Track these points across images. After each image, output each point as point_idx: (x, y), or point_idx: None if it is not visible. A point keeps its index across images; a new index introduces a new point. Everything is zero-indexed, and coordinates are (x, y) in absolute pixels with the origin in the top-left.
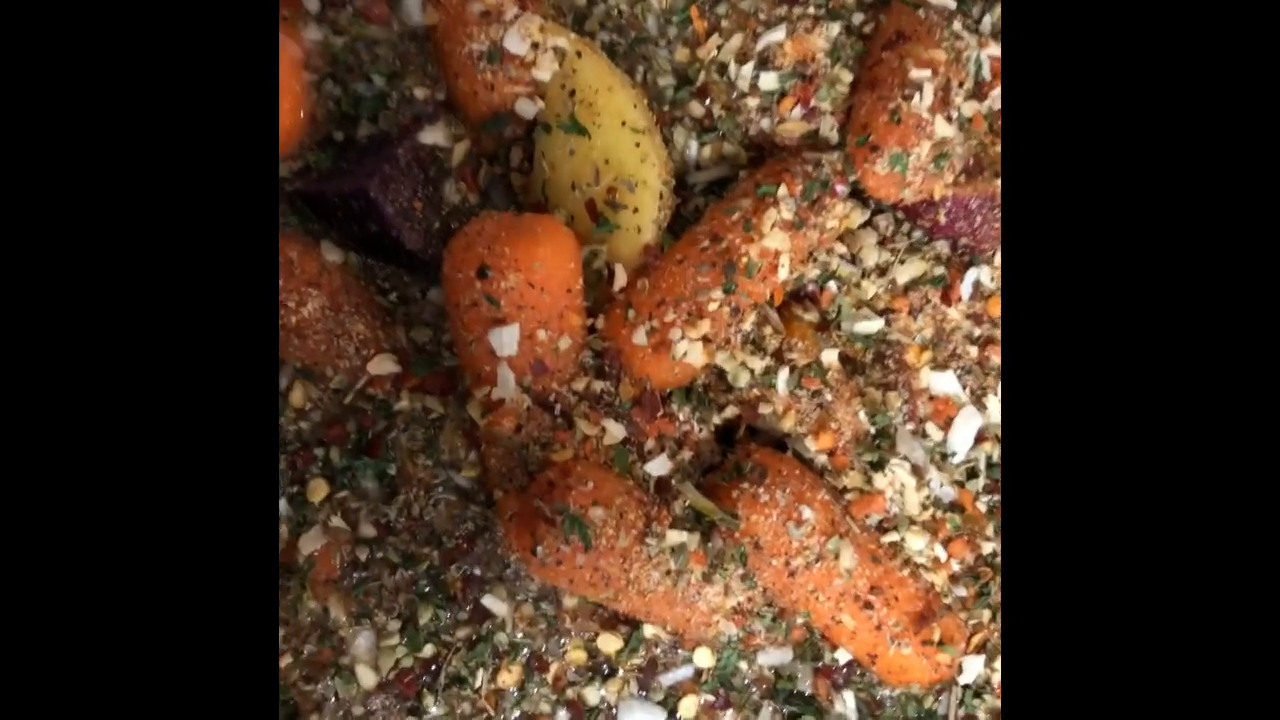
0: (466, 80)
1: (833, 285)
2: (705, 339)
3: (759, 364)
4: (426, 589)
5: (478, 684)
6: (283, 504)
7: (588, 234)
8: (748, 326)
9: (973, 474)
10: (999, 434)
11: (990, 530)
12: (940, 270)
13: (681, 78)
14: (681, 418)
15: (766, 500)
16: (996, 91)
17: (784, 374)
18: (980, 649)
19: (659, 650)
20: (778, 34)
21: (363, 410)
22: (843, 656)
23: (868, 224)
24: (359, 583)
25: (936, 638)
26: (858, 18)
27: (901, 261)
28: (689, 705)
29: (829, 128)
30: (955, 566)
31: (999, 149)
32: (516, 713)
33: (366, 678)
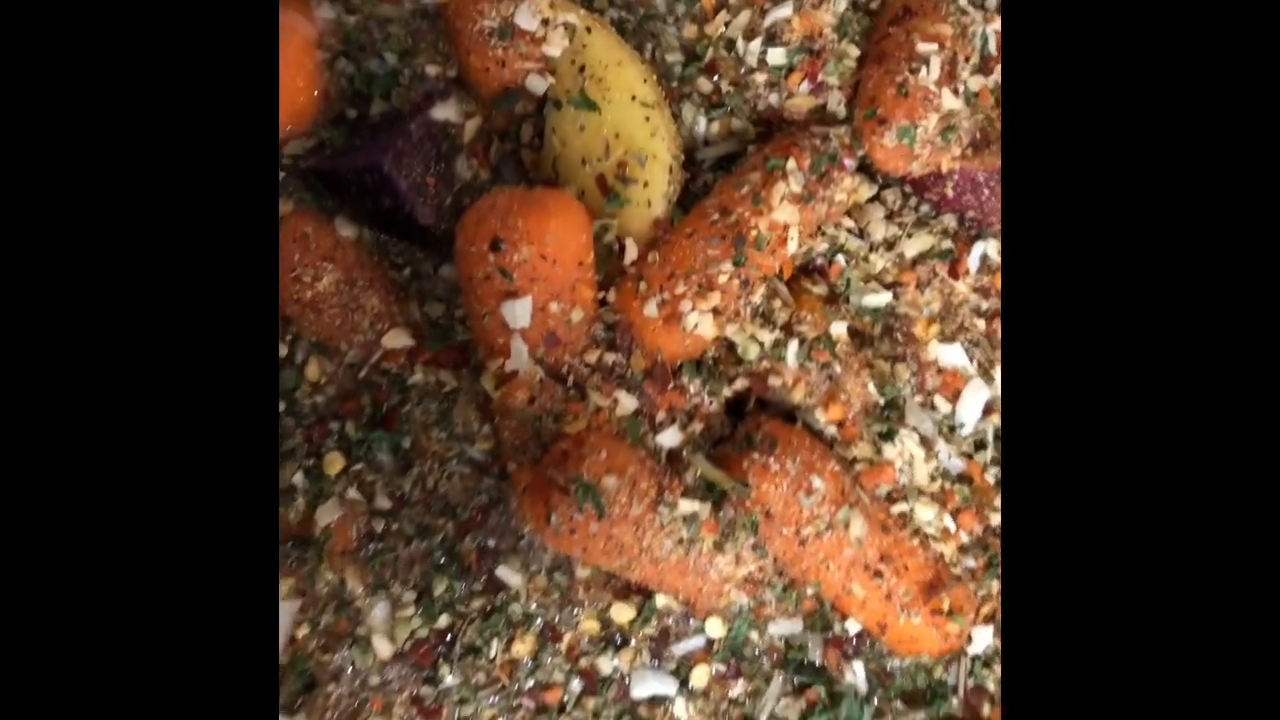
0: (478, 57)
1: (841, 259)
2: (715, 311)
3: (768, 337)
4: (441, 560)
5: (492, 654)
6: (299, 476)
7: (598, 208)
8: (757, 299)
9: (980, 446)
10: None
11: (998, 501)
12: (947, 244)
13: (690, 54)
14: (692, 390)
15: (777, 470)
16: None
17: (793, 346)
18: (989, 620)
19: (671, 620)
20: (785, 10)
21: (377, 384)
22: (853, 627)
23: (875, 198)
24: (375, 554)
25: (946, 607)
26: None
27: (909, 235)
28: (700, 675)
29: (836, 102)
30: (964, 537)
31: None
32: (530, 682)
33: (383, 648)
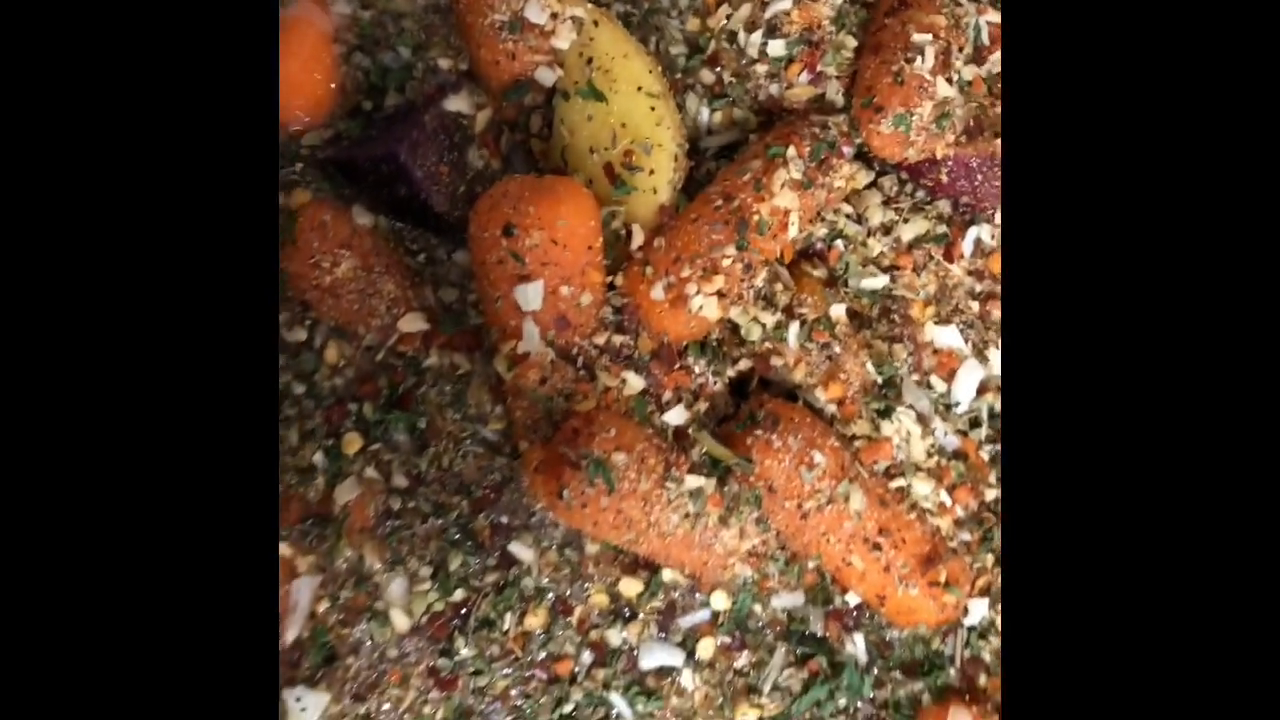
0: (488, 50)
1: (840, 243)
2: (719, 294)
3: (770, 319)
4: (456, 537)
5: (506, 627)
6: (319, 456)
7: (606, 196)
8: (759, 283)
9: (975, 423)
10: (1000, 385)
11: (993, 478)
12: (942, 228)
13: (693, 46)
14: (697, 370)
15: (779, 446)
16: (995, 56)
17: (794, 328)
18: (985, 592)
19: (677, 594)
20: (785, 2)
21: (394, 366)
22: (853, 599)
23: (873, 185)
24: (392, 531)
25: (943, 579)
26: None
27: (905, 220)
28: (706, 646)
29: (835, 91)
30: (960, 512)
31: (998, 111)
32: (543, 654)
33: (400, 621)
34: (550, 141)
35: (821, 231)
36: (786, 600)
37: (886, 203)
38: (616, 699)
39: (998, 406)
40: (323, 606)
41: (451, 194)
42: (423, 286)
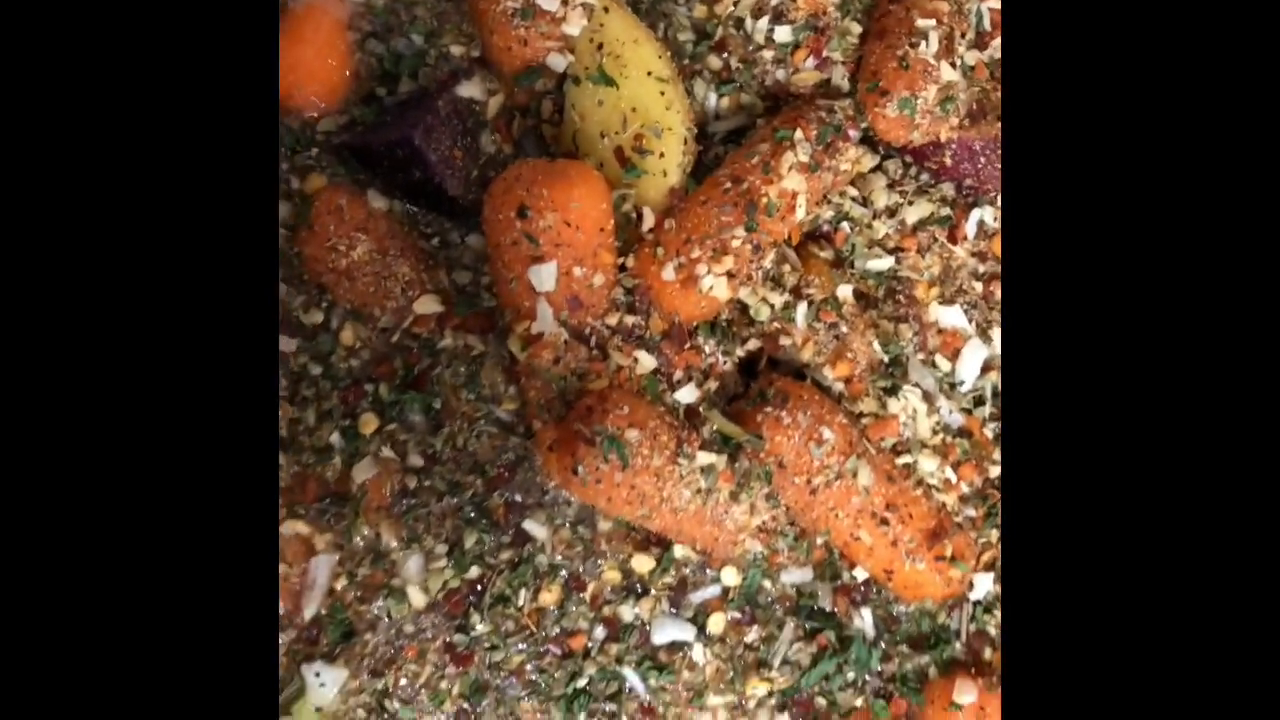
0: (500, 36)
1: (846, 226)
2: (729, 274)
3: (779, 299)
4: (471, 515)
5: (520, 603)
6: (336, 436)
7: (617, 179)
8: (768, 264)
9: (979, 402)
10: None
11: (997, 455)
12: (946, 211)
13: (700, 33)
14: (707, 350)
15: (789, 423)
16: (998, 41)
17: (802, 308)
18: (990, 567)
19: (688, 570)
20: None
21: (409, 348)
22: (860, 575)
23: (878, 168)
24: (408, 509)
25: (949, 553)
26: None
27: (910, 203)
28: (717, 621)
29: (840, 76)
30: (965, 488)
31: (1000, 95)
32: (556, 629)
33: (417, 598)
34: (562, 126)
35: (828, 214)
36: (795, 576)
37: (891, 186)
38: (629, 673)
39: (1001, 385)
40: (341, 583)
41: (465, 178)
42: (437, 269)
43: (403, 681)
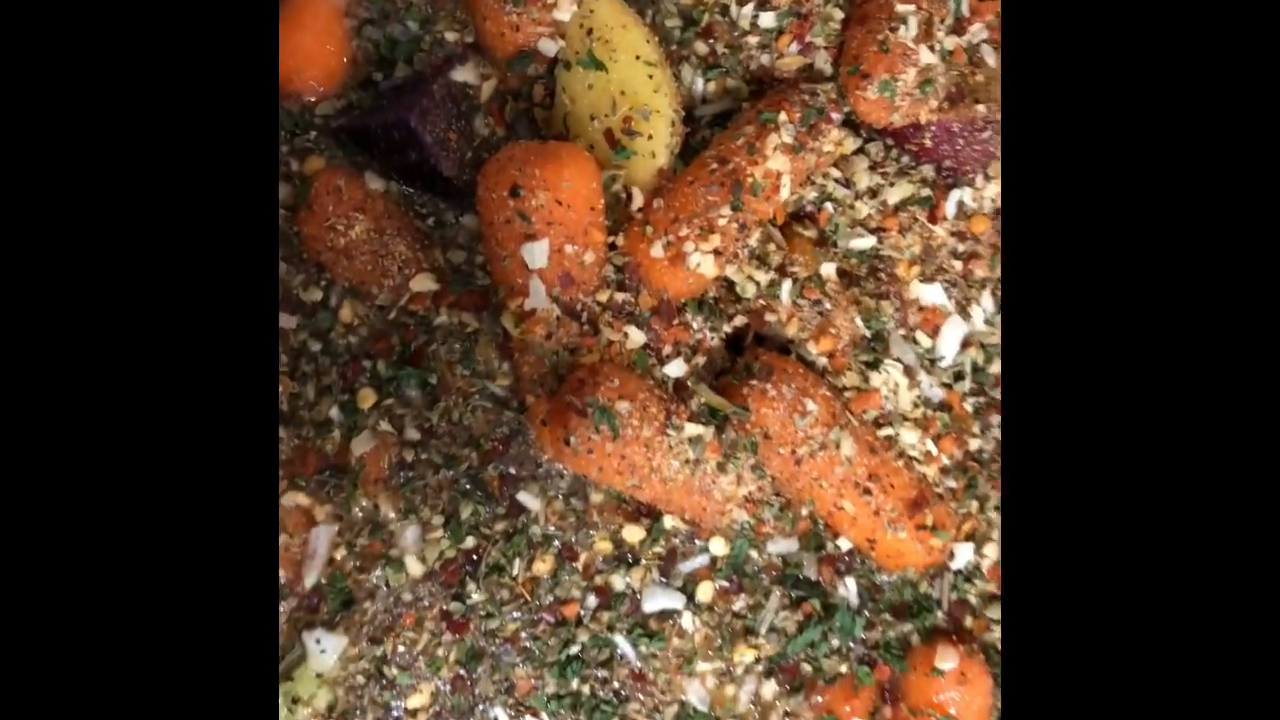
0: (493, 22)
1: (829, 206)
2: (716, 252)
3: (764, 277)
4: (467, 487)
5: (515, 572)
6: (335, 411)
7: (607, 160)
8: (753, 242)
9: (959, 377)
10: (983, 341)
11: (976, 428)
12: (926, 192)
13: (687, 19)
14: (695, 326)
15: (774, 395)
16: (975, 27)
17: (787, 285)
18: (969, 537)
19: (678, 540)
20: None
21: (405, 325)
22: (844, 545)
23: (860, 150)
24: (405, 481)
25: (930, 523)
26: None
27: (891, 184)
28: (705, 590)
29: (823, 61)
30: (945, 460)
31: (979, 78)
32: (550, 598)
33: (414, 567)
34: (553, 109)
35: (812, 195)
36: (781, 546)
37: (873, 167)
38: (621, 640)
39: (981, 361)
40: (340, 553)
41: (459, 160)
42: (432, 248)
43: (401, 648)
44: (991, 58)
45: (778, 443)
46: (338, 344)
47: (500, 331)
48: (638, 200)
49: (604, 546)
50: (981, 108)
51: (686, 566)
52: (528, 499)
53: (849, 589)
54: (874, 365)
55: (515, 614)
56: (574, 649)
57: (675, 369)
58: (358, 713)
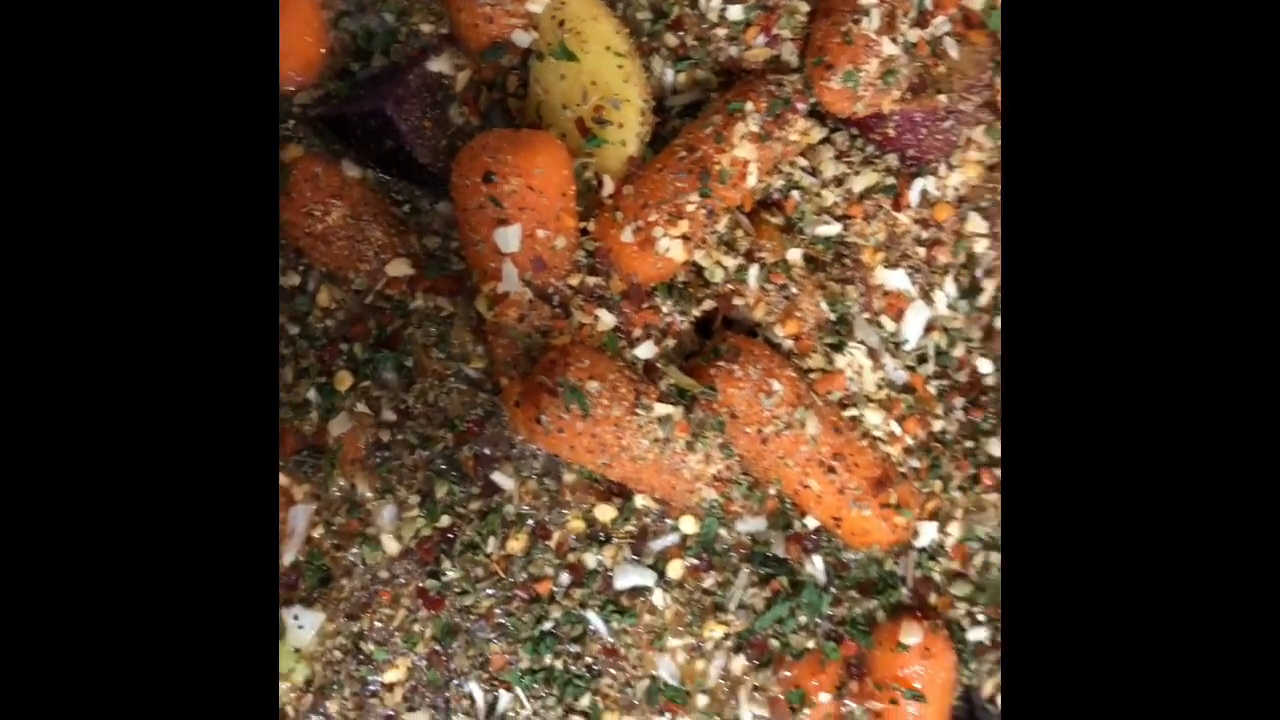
0: (468, 14)
1: (796, 194)
2: (684, 237)
3: (732, 262)
4: (442, 467)
5: (489, 550)
6: (313, 393)
7: (578, 148)
8: (722, 228)
9: (922, 360)
10: (946, 325)
11: (940, 410)
12: (891, 180)
13: (658, 12)
14: (665, 309)
15: (740, 375)
16: (938, 19)
17: (754, 270)
18: (933, 516)
19: (649, 519)
20: None
21: (382, 309)
22: (812, 523)
23: (826, 140)
24: (382, 462)
25: (894, 501)
26: None
27: (856, 173)
28: (675, 567)
29: (789, 53)
30: (909, 441)
31: (941, 69)
32: (524, 575)
33: (390, 545)
34: (526, 99)
35: (779, 183)
36: (750, 524)
37: (839, 157)
38: (593, 616)
39: (944, 344)
40: (318, 532)
41: (434, 148)
42: (408, 234)
43: (377, 624)
44: (954, 50)
45: (744, 422)
46: (315, 328)
47: (475, 315)
48: (608, 187)
49: (577, 525)
50: (943, 98)
51: (657, 544)
52: (502, 479)
53: (816, 566)
54: (838, 348)
55: (490, 591)
56: (547, 625)
57: (645, 351)
58: (335, 687)
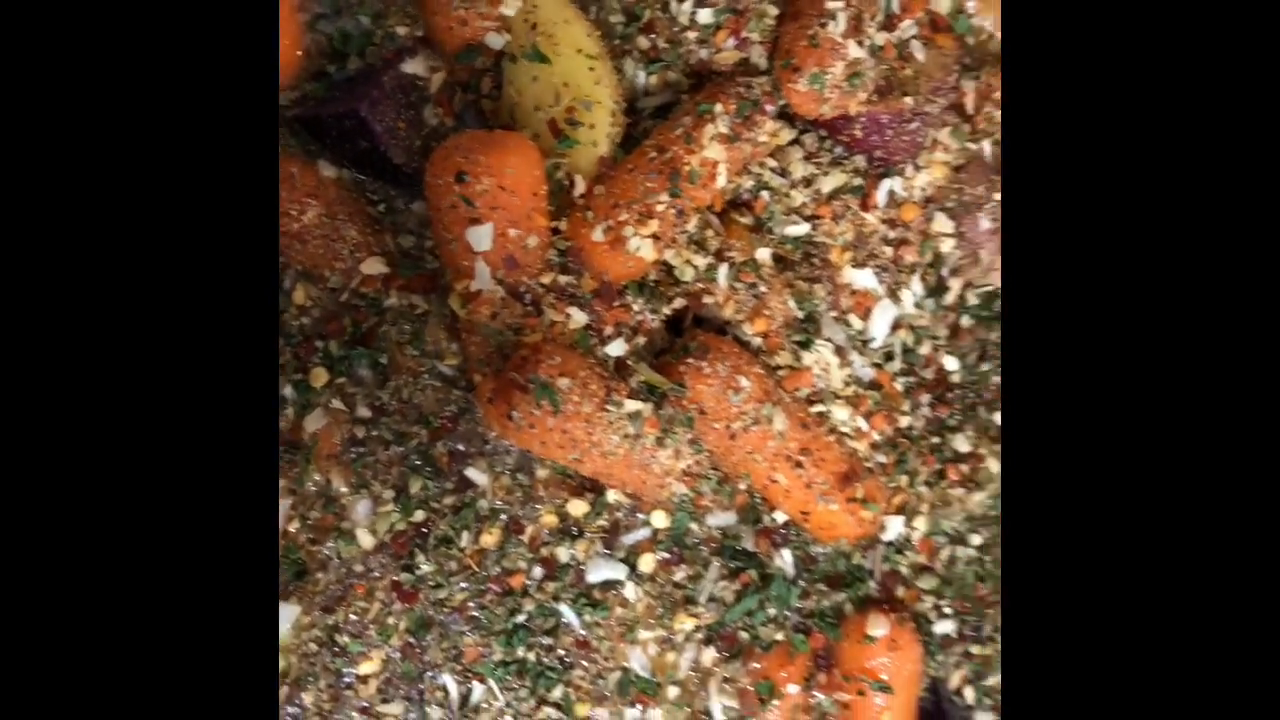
0: (442, 17)
1: (766, 194)
2: (655, 237)
3: (702, 261)
4: (416, 462)
5: (463, 544)
6: (289, 389)
7: (550, 149)
8: (691, 228)
9: (889, 357)
10: (912, 323)
11: (906, 406)
12: (859, 181)
13: (630, 15)
14: (636, 307)
15: (709, 372)
16: (905, 23)
17: (724, 269)
18: (900, 510)
19: (620, 514)
20: None
21: (357, 307)
22: (780, 518)
23: (795, 141)
24: (357, 457)
25: (860, 495)
26: None
27: (825, 174)
28: (647, 561)
29: (758, 56)
30: (876, 437)
31: (907, 72)
32: (497, 569)
33: (365, 539)
34: (499, 101)
35: (749, 184)
36: (720, 519)
37: (808, 158)
38: (565, 609)
39: (910, 342)
40: (294, 526)
41: (409, 148)
42: (383, 233)
43: (352, 617)
44: (920, 53)
45: (712, 418)
46: (291, 325)
47: (448, 313)
48: (580, 187)
49: (549, 520)
50: (909, 100)
51: (629, 539)
52: (476, 474)
53: (785, 560)
54: (806, 345)
55: (463, 584)
56: (520, 618)
57: (616, 349)
58: (311, 679)
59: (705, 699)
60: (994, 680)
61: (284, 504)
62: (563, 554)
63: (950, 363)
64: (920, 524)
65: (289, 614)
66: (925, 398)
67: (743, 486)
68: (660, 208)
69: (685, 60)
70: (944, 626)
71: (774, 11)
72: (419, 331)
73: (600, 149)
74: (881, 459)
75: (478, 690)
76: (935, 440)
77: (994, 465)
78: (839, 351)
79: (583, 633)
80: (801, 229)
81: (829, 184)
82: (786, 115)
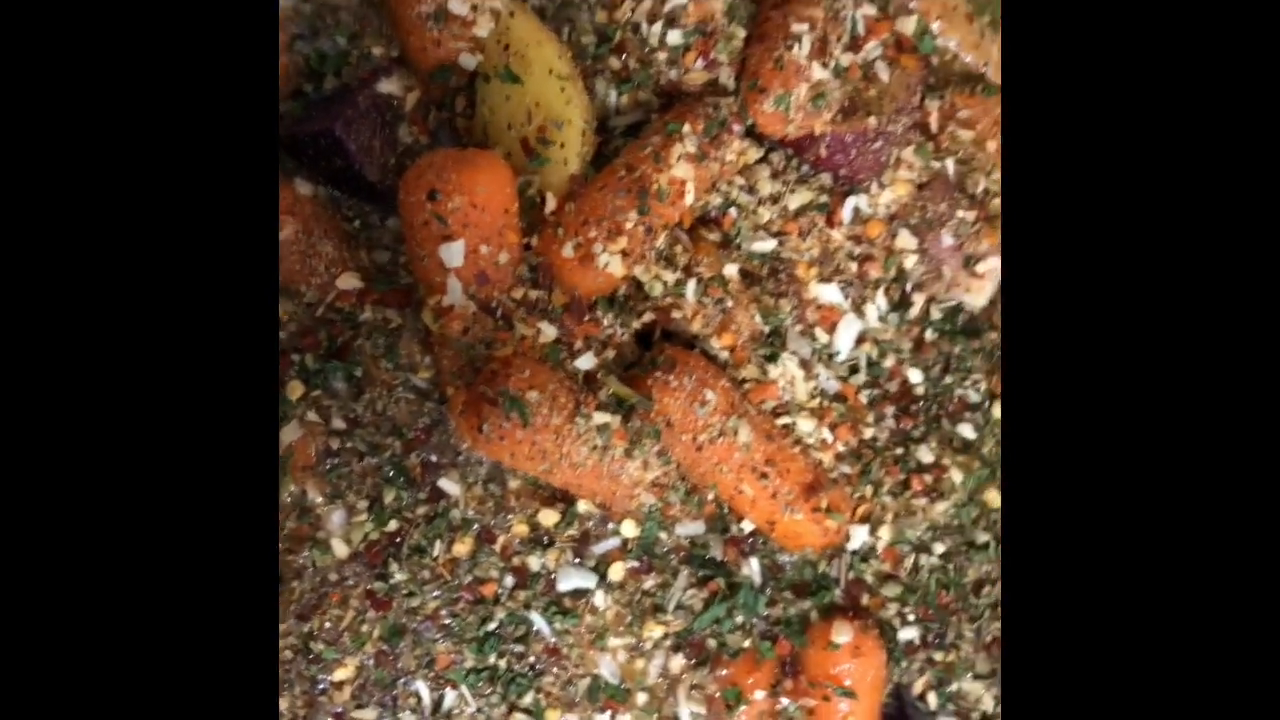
0: (416, 38)
1: (733, 211)
2: (624, 253)
3: (671, 276)
4: (390, 473)
5: (436, 554)
6: None
7: (522, 167)
8: (660, 244)
9: (854, 370)
10: (877, 337)
11: (871, 418)
12: (824, 198)
13: (601, 36)
14: (605, 322)
15: (675, 385)
16: (870, 44)
17: (692, 284)
18: (865, 519)
19: (591, 524)
20: None
21: (332, 321)
22: (748, 527)
23: (763, 160)
24: (332, 468)
25: (825, 505)
26: None
27: (792, 191)
28: (617, 570)
29: (726, 76)
30: (840, 448)
31: (872, 93)
32: (469, 578)
33: (340, 549)
34: (473, 119)
35: (717, 201)
36: (689, 528)
37: (775, 176)
38: (536, 617)
39: (875, 355)
40: None
41: (383, 166)
42: (358, 249)
43: (327, 625)
44: (885, 73)
45: (679, 430)
46: None
47: (422, 327)
48: (551, 204)
49: (521, 529)
50: (873, 120)
51: (599, 548)
52: (448, 485)
53: (752, 569)
54: (772, 359)
55: (436, 593)
56: (492, 626)
57: (585, 362)
58: (286, 686)
59: (673, 705)
60: (956, 686)
61: None
62: (534, 563)
63: (914, 375)
64: (885, 533)
65: None
66: (889, 409)
67: (710, 497)
68: (630, 225)
69: (655, 80)
70: (908, 633)
71: (742, 34)
72: (393, 345)
73: (571, 167)
74: (846, 469)
75: (450, 696)
76: (899, 451)
77: (957, 475)
78: (804, 365)
79: (553, 640)
80: (768, 245)
81: (795, 201)
82: (754, 134)
